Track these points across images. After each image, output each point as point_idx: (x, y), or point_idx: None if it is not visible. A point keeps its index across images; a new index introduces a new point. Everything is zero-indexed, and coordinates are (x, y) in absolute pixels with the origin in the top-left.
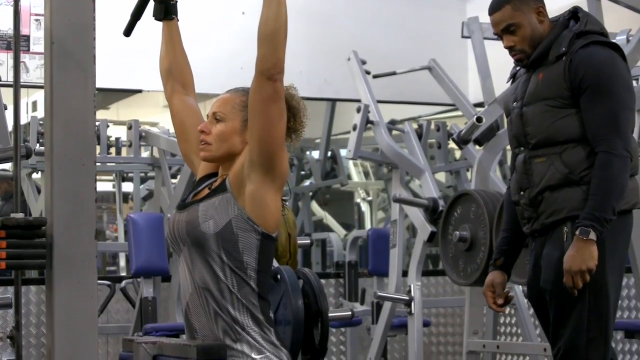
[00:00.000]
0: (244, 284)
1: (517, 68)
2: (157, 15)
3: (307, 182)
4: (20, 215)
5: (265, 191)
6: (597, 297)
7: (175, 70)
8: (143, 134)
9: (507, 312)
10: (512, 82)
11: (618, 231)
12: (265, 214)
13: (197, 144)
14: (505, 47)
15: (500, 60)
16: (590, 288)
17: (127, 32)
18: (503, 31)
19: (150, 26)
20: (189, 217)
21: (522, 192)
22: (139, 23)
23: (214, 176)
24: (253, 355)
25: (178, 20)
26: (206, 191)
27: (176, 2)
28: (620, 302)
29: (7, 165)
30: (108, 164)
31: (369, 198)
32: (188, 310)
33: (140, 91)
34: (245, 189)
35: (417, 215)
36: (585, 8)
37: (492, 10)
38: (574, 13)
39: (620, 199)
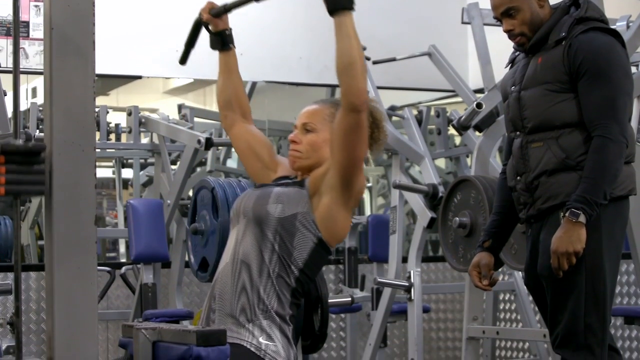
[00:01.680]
0: (284, 274)
1: (516, 53)
2: (215, 46)
3: None
4: (20, 141)
5: (338, 210)
6: (594, 283)
7: (235, 101)
8: (143, 120)
9: (507, 298)
10: (511, 67)
11: (615, 217)
12: (331, 228)
13: (270, 159)
14: (505, 31)
15: (500, 46)
16: (587, 273)
17: (183, 60)
18: (503, 14)
19: (149, 12)
20: (261, 194)
21: (518, 177)
22: (136, 9)
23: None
24: (260, 339)
25: (235, 47)
26: (287, 182)
27: (231, 31)
28: (619, 288)
29: None
30: (108, 150)
31: (369, 184)
32: (217, 279)
33: (140, 77)
34: (321, 200)
35: (416, 202)
36: None
37: None
38: (575, 0)
39: (613, 183)
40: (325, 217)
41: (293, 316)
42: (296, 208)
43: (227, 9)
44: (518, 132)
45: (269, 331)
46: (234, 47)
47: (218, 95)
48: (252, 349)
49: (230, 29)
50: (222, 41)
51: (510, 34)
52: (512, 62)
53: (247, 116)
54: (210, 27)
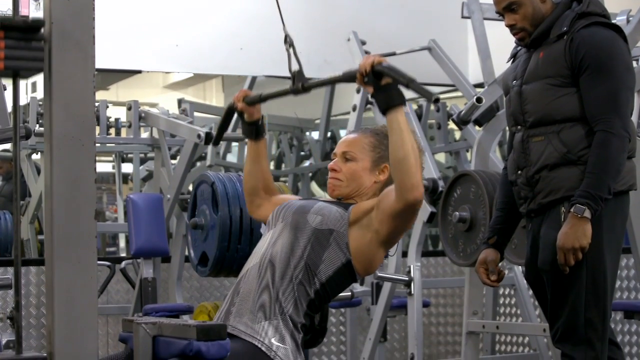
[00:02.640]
0: (306, 283)
1: (518, 48)
2: (248, 135)
3: (306, 163)
4: (19, 18)
5: (377, 249)
6: (594, 278)
7: (261, 186)
8: (143, 114)
9: (506, 292)
10: (513, 62)
11: (615, 212)
12: (365, 262)
13: None
14: (507, 26)
15: (500, 41)
16: (588, 268)
17: (216, 142)
18: (505, 9)
19: (149, 6)
20: (305, 203)
21: (519, 172)
22: (136, 3)
23: None
24: (272, 340)
25: (266, 135)
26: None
27: (264, 119)
28: (619, 282)
29: (8, 146)
30: (108, 144)
31: None
32: (243, 277)
33: (139, 72)
34: (362, 234)
35: None
36: None
37: None
38: None
39: (616, 178)
40: (362, 251)
41: (305, 326)
42: (334, 225)
43: (262, 98)
44: (519, 127)
45: (283, 333)
46: (266, 134)
47: (245, 182)
48: (263, 348)
49: (263, 117)
50: (256, 131)
51: (512, 29)
52: (513, 56)
53: (271, 192)
54: (244, 117)
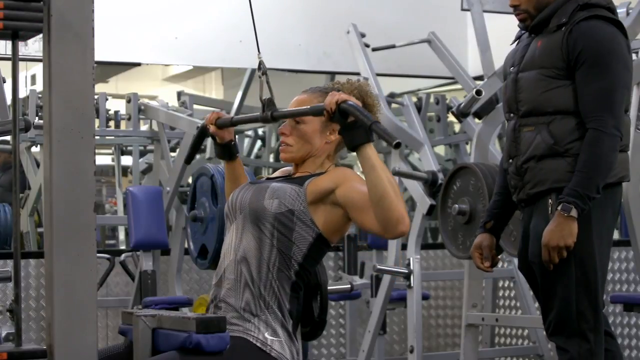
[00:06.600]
0: (284, 268)
1: (522, 31)
2: (221, 157)
3: None
4: None
5: (345, 221)
6: (584, 269)
7: None
8: (142, 107)
9: (506, 285)
10: (517, 45)
11: (606, 203)
12: (337, 231)
13: None
14: (511, 6)
15: (500, 33)
16: (577, 260)
17: (188, 160)
18: None
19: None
20: (257, 189)
21: (510, 160)
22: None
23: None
24: (266, 335)
25: (238, 155)
26: (283, 178)
27: (236, 140)
28: (619, 275)
29: (8, 138)
30: (107, 137)
31: None
32: (222, 276)
33: (139, 64)
34: (327, 211)
35: (416, 189)
36: None
37: None
38: None
39: (606, 177)
40: (330, 224)
41: (292, 311)
42: (293, 205)
43: (233, 122)
44: (512, 114)
45: (274, 326)
46: (238, 155)
47: (226, 198)
48: (258, 344)
49: (235, 139)
50: (230, 152)
51: (515, 9)
52: (518, 39)
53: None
54: (216, 139)
